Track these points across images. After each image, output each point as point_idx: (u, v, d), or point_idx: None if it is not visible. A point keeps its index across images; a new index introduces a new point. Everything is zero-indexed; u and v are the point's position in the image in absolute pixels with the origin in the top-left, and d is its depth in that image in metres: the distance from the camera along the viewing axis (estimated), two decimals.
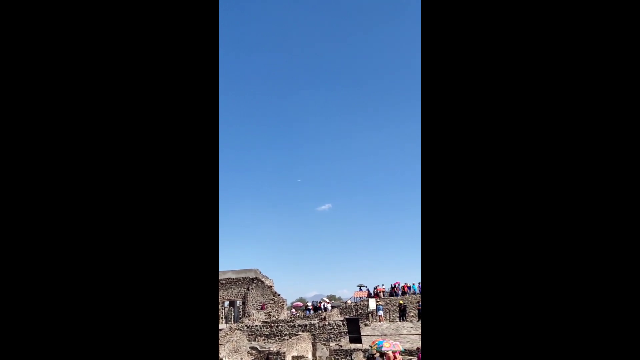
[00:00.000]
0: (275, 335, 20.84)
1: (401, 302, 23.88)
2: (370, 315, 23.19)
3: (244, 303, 27.35)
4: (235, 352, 17.44)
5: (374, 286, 28.10)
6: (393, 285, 27.36)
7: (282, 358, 16.38)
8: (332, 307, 27.43)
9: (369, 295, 27.10)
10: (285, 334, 20.50)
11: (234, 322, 25.17)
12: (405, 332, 19.28)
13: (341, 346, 17.40)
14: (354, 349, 16.09)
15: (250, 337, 20.81)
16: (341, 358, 16.61)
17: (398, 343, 12.93)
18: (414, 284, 26.63)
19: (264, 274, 27.98)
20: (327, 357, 17.52)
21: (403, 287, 26.71)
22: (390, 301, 25.09)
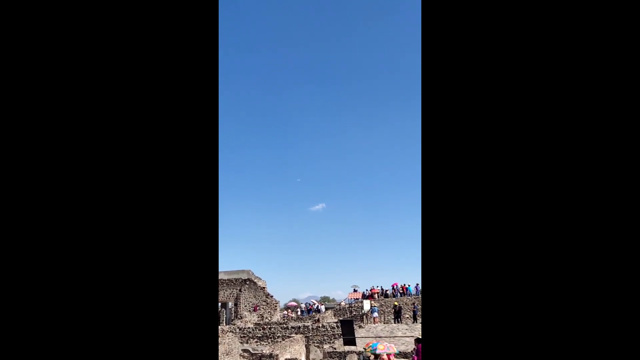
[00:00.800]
0: (268, 338, 20.56)
1: (396, 303, 23.61)
2: (364, 317, 22.94)
3: (236, 305, 26.96)
4: (227, 354, 17.12)
5: (369, 287, 27.90)
6: (392, 287, 27.12)
7: None
8: (326, 308, 27.20)
9: (364, 297, 26.88)
10: (278, 336, 20.24)
11: (226, 324, 24.80)
12: (400, 334, 19.03)
13: (335, 348, 17.15)
14: (348, 352, 15.87)
15: (243, 339, 20.52)
16: None
17: (392, 345, 12.67)
18: (409, 285, 26.45)
19: (256, 275, 27.63)
20: None
21: (402, 287, 26.54)
22: (384, 302, 24.84)
